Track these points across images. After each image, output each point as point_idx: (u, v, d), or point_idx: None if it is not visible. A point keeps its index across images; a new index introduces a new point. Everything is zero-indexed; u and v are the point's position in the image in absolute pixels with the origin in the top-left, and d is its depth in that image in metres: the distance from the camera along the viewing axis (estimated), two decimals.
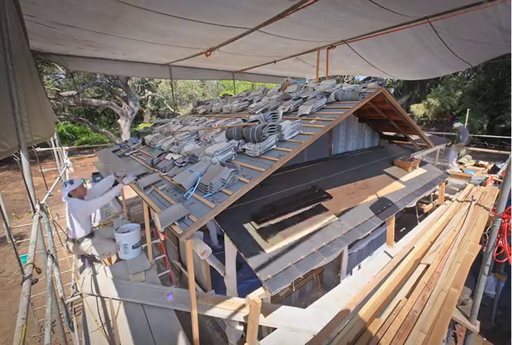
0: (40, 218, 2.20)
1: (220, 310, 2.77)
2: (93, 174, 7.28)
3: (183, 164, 3.28)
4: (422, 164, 5.33)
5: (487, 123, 14.66)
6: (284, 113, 3.93)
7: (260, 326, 2.53)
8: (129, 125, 15.03)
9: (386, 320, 2.43)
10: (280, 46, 5.13)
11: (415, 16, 3.88)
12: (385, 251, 3.84)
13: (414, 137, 5.69)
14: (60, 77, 17.87)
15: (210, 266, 3.23)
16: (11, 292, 5.99)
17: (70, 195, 3.33)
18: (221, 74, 8.30)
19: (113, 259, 4.38)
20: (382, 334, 2.27)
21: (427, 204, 5.95)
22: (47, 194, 3.80)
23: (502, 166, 6.92)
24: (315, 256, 2.59)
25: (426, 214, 5.59)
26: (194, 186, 2.71)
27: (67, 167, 6.11)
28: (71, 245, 3.49)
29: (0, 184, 13.49)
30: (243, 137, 3.26)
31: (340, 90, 4.07)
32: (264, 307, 2.56)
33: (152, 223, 4.01)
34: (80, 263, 3.74)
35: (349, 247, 4.24)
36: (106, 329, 2.67)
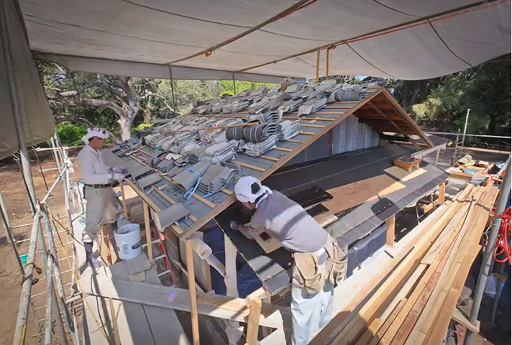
0: (40, 218, 2.20)
1: (220, 310, 2.77)
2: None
3: (183, 164, 3.28)
4: (422, 164, 5.33)
5: (489, 123, 14.67)
6: (284, 113, 3.93)
7: (260, 326, 2.53)
8: (129, 125, 15.03)
9: (386, 320, 2.43)
10: (280, 45, 5.13)
11: (415, 16, 3.88)
12: (385, 251, 3.85)
13: (414, 137, 5.69)
14: (60, 78, 17.87)
15: (210, 266, 3.23)
16: (11, 292, 5.99)
17: (89, 143, 3.65)
18: (221, 74, 8.30)
19: (114, 259, 4.39)
20: (382, 334, 2.27)
21: (427, 204, 5.95)
22: (47, 194, 3.79)
23: (502, 166, 6.91)
24: None
25: (426, 214, 5.59)
26: (194, 186, 2.71)
27: (67, 167, 6.11)
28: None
29: (0, 184, 13.49)
30: (243, 137, 3.26)
31: (340, 90, 4.07)
32: (264, 308, 2.56)
33: (152, 223, 4.01)
34: (80, 261, 3.76)
35: (349, 247, 4.24)
36: (106, 329, 2.67)
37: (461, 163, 7.97)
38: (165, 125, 6.31)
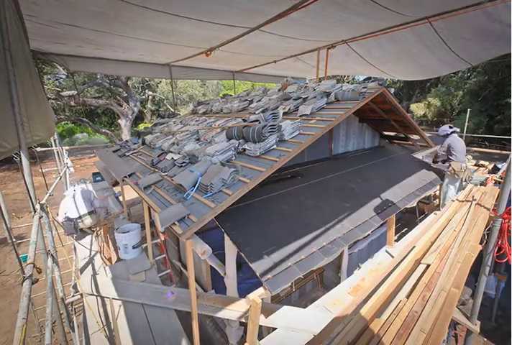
0: (40, 218, 2.20)
1: (220, 310, 2.77)
2: (94, 174, 7.28)
3: (183, 164, 3.28)
4: (422, 164, 5.33)
5: (485, 123, 14.67)
6: (284, 113, 3.93)
7: (260, 326, 2.53)
8: (129, 125, 15.04)
9: (386, 320, 2.43)
10: (280, 45, 5.13)
11: (415, 16, 3.88)
12: (386, 251, 3.84)
13: (415, 137, 5.69)
14: (61, 77, 17.87)
15: (210, 266, 3.23)
16: (11, 291, 6.00)
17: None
18: (221, 74, 8.30)
19: (114, 259, 4.39)
20: (383, 334, 2.27)
21: (427, 204, 5.95)
22: (48, 194, 3.80)
23: (502, 166, 6.91)
24: (315, 256, 2.59)
25: (426, 214, 5.58)
26: (194, 186, 2.71)
27: (67, 167, 6.11)
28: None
29: (0, 184, 13.50)
30: (243, 137, 3.26)
31: (340, 90, 4.07)
32: (264, 307, 2.56)
33: (152, 223, 4.01)
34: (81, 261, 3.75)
35: (350, 247, 4.24)
36: (106, 329, 2.67)
37: None
38: (165, 125, 6.31)
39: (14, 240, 3.12)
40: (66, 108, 18.99)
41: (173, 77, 7.07)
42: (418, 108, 18.26)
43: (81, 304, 3.11)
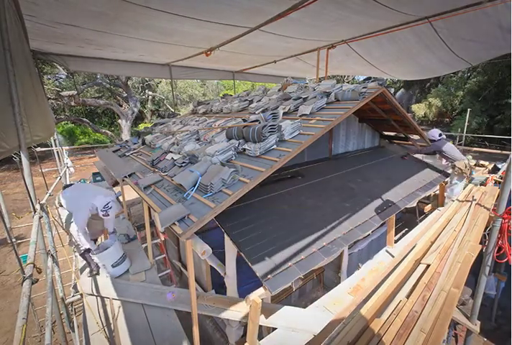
0: (40, 218, 2.20)
1: (220, 310, 2.77)
2: (94, 174, 7.29)
3: (183, 164, 3.28)
4: (422, 164, 5.34)
5: (486, 123, 14.67)
6: (284, 113, 3.93)
7: (260, 326, 2.53)
8: (129, 125, 15.04)
9: (386, 320, 2.43)
10: (280, 45, 5.13)
11: (415, 16, 3.88)
12: (386, 251, 3.85)
13: (415, 137, 5.69)
14: (61, 77, 17.87)
15: (210, 266, 3.23)
16: (11, 291, 6.00)
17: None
18: (221, 74, 8.30)
19: None
20: (383, 334, 2.27)
21: (427, 204, 5.95)
22: (48, 194, 3.80)
23: (502, 166, 6.91)
24: (315, 256, 2.59)
25: (427, 214, 5.59)
26: (194, 186, 2.71)
27: (67, 167, 6.12)
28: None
29: (0, 184, 13.50)
30: (243, 137, 3.26)
31: (340, 90, 4.06)
32: (264, 307, 2.56)
33: (152, 223, 4.01)
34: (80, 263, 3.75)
35: (350, 247, 4.24)
36: (106, 329, 2.67)
37: None
38: (165, 125, 6.31)
39: (13, 240, 3.13)
40: (66, 108, 19.00)
41: (173, 77, 7.07)
42: (419, 109, 18.27)
43: (81, 304, 3.11)
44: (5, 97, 1.92)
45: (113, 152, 5.62)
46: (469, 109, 10.73)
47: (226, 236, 2.66)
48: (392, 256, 3.65)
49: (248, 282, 3.60)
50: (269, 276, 2.27)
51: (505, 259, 3.32)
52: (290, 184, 3.71)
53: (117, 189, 5.69)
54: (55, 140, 6.50)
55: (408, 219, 6.06)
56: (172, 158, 3.59)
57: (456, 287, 2.74)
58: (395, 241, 4.04)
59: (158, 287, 3.22)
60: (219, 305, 2.83)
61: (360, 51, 5.62)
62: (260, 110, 4.39)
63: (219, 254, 3.05)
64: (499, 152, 10.04)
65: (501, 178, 5.64)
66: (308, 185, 3.77)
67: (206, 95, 24.62)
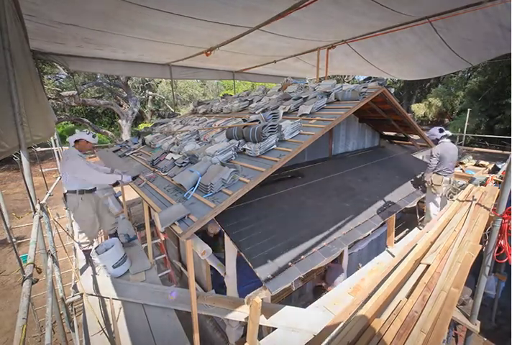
0: (40, 218, 2.20)
1: (220, 310, 2.77)
2: None
3: (183, 164, 3.28)
4: (422, 164, 5.33)
5: (486, 122, 14.67)
6: (284, 113, 3.93)
7: (260, 326, 2.53)
8: (129, 125, 15.03)
9: (386, 320, 2.43)
10: (280, 45, 5.13)
11: (415, 16, 3.88)
12: (387, 250, 3.85)
13: (415, 137, 5.69)
14: (61, 77, 17.87)
15: (210, 266, 3.23)
16: (11, 291, 6.00)
17: (74, 145, 3.31)
18: (222, 74, 8.30)
19: None
20: (382, 334, 2.27)
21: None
22: (48, 194, 3.80)
23: (502, 166, 6.91)
24: (315, 256, 2.59)
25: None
26: (194, 186, 2.71)
27: None
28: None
29: (0, 184, 13.50)
30: (243, 137, 3.26)
31: (340, 90, 4.06)
32: (264, 307, 2.56)
33: (152, 223, 4.01)
34: (81, 262, 3.75)
35: (350, 247, 4.24)
36: (106, 329, 2.66)
37: (461, 163, 7.97)
38: (165, 125, 6.31)
39: (14, 240, 3.13)
40: (66, 108, 18.98)
41: (173, 77, 7.07)
42: (419, 108, 18.27)
43: (81, 304, 3.11)
44: (5, 97, 1.92)
45: (114, 152, 5.62)
46: (469, 109, 10.72)
47: (226, 236, 2.66)
48: (393, 256, 3.64)
49: (248, 282, 3.59)
50: (269, 276, 2.27)
51: (505, 259, 3.32)
52: (290, 184, 3.71)
53: (117, 189, 5.69)
54: (55, 140, 6.50)
55: (408, 219, 6.06)
56: (172, 158, 3.59)
57: (456, 287, 2.74)
58: (395, 241, 4.04)
59: (158, 287, 3.22)
60: (219, 305, 2.83)
61: (360, 51, 5.62)
62: (260, 110, 4.39)
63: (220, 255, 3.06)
64: (499, 152, 10.03)
65: (501, 178, 5.64)
66: (308, 185, 3.77)
67: (206, 95, 24.61)
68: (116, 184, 4.10)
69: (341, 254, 4.03)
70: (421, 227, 4.35)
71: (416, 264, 3.27)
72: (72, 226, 4.89)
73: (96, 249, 3.39)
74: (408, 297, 2.71)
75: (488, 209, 4.39)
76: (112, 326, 2.69)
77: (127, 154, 5.08)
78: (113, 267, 3.34)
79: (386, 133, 6.00)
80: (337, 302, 2.86)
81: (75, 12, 3.07)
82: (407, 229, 5.00)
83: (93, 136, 3.38)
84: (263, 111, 4.26)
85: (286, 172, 4.00)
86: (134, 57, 5.80)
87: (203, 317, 3.83)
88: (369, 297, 2.76)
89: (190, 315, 2.54)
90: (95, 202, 3.47)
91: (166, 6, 3.02)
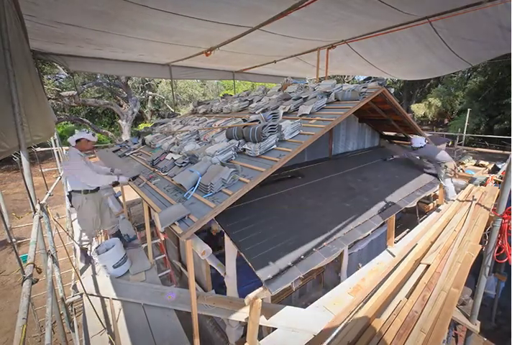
0: (40, 218, 2.19)
1: (220, 310, 2.77)
2: None
3: (183, 164, 3.28)
4: (422, 164, 5.33)
5: (485, 122, 14.67)
6: (284, 113, 3.93)
7: (260, 326, 2.53)
8: (129, 125, 15.03)
9: (386, 320, 2.43)
10: (280, 45, 5.13)
11: (415, 15, 3.88)
12: (387, 250, 3.84)
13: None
14: (61, 77, 17.85)
15: (210, 266, 3.23)
16: (11, 291, 6.00)
17: (75, 145, 3.38)
18: (221, 74, 8.30)
19: None
20: (383, 334, 2.27)
21: (427, 204, 5.94)
22: (48, 194, 3.80)
23: (502, 166, 6.91)
24: (315, 256, 2.58)
25: (427, 214, 5.58)
26: (194, 186, 2.71)
27: None
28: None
29: (0, 184, 13.49)
30: (243, 137, 3.26)
31: (340, 90, 4.07)
32: (264, 308, 2.56)
33: (152, 223, 4.01)
34: (80, 262, 3.75)
35: (350, 247, 4.24)
36: (106, 329, 2.66)
37: (461, 163, 7.98)
38: (165, 125, 6.31)
39: (14, 240, 3.12)
40: (66, 109, 18.97)
41: (173, 77, 7.07)
42: (418, 109, 18.28)
43: (81, 304, 3.11)
44: (5, 97, 1.92)
45: (114, 152, 5.63)
46: (468, 109, 10.73)
47: (226, 236, 2.66)
48: (394, 256, 3.64)
49: (248, 282, 3.59)
50: (269, 276, 2.27)
51: (505, 259, 3.32)
52: (290, 184, 3.71)
53: (117, 189, 5.69)
54: (54, 140, 6.50)
55: (408, 219, 6.06)
56: (172, 158, 3.59)
57: (456, 287, 2.74)
58: (396, 242, 4.04)
59: (158, 287, 3.22)
60: (219, 305, 2.82)
61: (360, 51, 5.62)
62: (260, 110, 4.39)
63: (220, 255, 3.06)
64: (499, 152, 10.03)
65: (501, 178, 5.64)
66: (308, 185, 3.77)
67: (206, 95, 24.59)
68: (116, 184, 4.11)
69: (341, 254, 4.03)
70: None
71: (416, 264, 3.27)
72: (72, 226, 4.89)
73: (96, 248, 3.40)
74: (408, 297, 2.71)
75: (488, 209, 4.40)
76: (112, 326, 2.69)
77: (127, 154, 5.08)
78: (114, 267, 3.34)
79: (386, 133, 6.01)
80: (337, 302, 2.86)
81: (75, 12, 3.07)
82: (407, 229, 5.00)
83: (93, 135, 3.46)
84: (263, 111, 4.26)
85: (286, 172, 4.00)
86: (134, 57, 5.80)
87: (203, 317, 3.83)
88: (369, 297, 2.77)
89: (190, 315, 2.54)
90: (98, 201, 3.50)
91: (167, 5, 3.02)
